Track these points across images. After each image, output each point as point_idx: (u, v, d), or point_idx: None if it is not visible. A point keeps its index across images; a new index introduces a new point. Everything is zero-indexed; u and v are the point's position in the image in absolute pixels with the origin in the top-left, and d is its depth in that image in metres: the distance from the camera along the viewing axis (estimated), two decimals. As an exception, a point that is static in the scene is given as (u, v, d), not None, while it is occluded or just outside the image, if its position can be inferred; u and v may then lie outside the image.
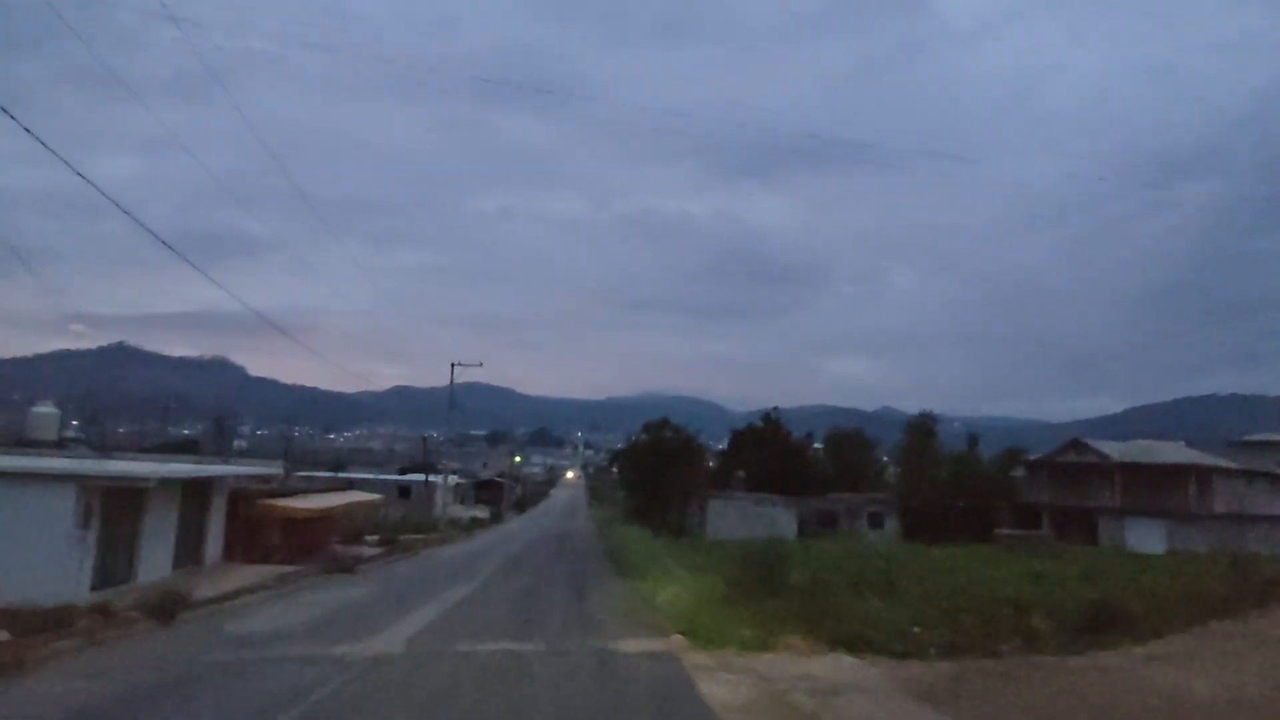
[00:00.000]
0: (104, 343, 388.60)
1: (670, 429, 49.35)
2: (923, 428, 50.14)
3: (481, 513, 68.34)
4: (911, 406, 58.20)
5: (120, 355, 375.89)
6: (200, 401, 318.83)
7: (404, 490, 66.45)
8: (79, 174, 14.94)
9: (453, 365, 52.13)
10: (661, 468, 47.31)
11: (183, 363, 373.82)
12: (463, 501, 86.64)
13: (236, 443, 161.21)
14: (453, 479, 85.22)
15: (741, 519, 47.44)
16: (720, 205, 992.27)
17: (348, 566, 24.59)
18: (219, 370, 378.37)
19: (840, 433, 59.58)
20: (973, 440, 52.33)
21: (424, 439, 44.06)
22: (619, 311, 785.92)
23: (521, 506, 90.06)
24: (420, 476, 69.46)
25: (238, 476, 26.99)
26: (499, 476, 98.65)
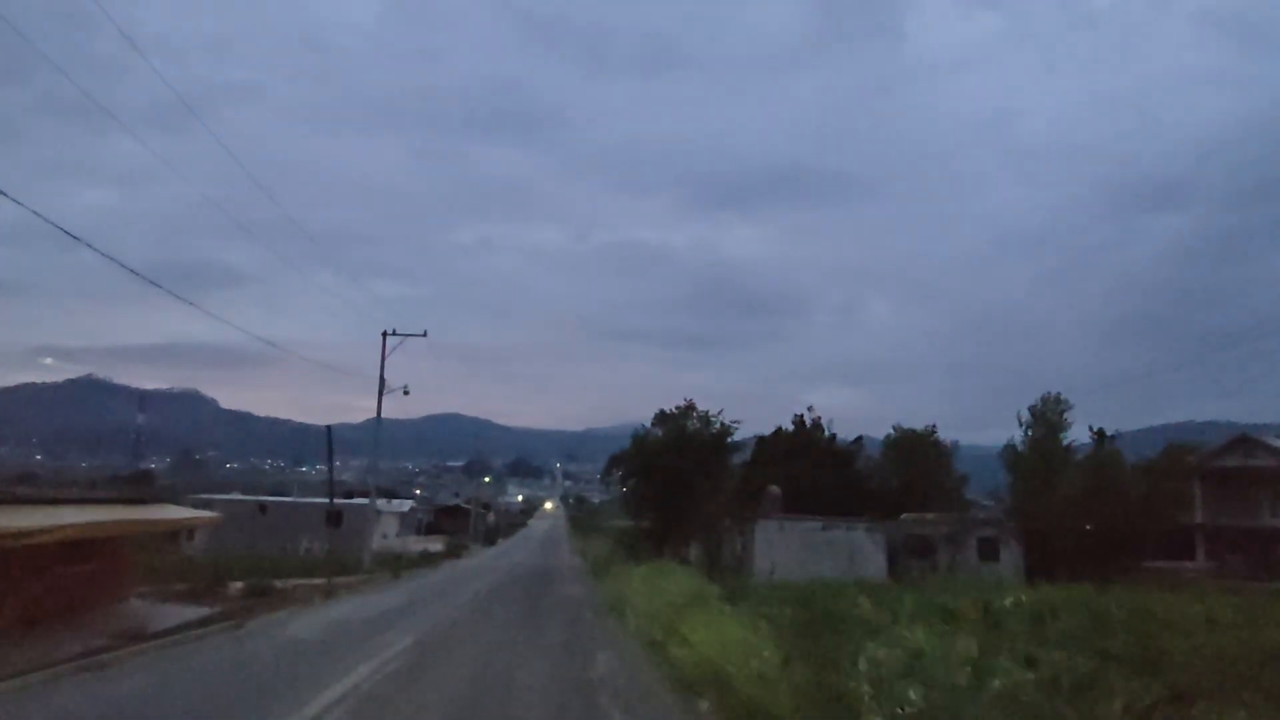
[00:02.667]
0: (73, 375, 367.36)
1: (695, 417, 32.71)
2: (1048, 418, 33.86)
3: (436, 545, 50.88)
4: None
5: (89, 388, 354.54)
6: (170, 434, 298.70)
7: (333, 517, 48.86)
8: (38, 214, 12.88)
9: (385, 335, 35.46)
10: (687, 475, 30.71)
11: (153, 395, 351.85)
12: (419, 531, 68.87)
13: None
14: (406, 504, 67.68)
15: (805, 550, 30.84)
16: (699, 236, 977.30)
17: None
18: (190, 403, 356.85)
19: (907, 435, 43.17)
20: (1101, 436, 36.00)
21: (328, 430, 27.67)
22: (598, 342, 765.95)
23: (491, 537, 72.42)
24: (358, 500, 52.05)
25: None
26: (465, 502, 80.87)
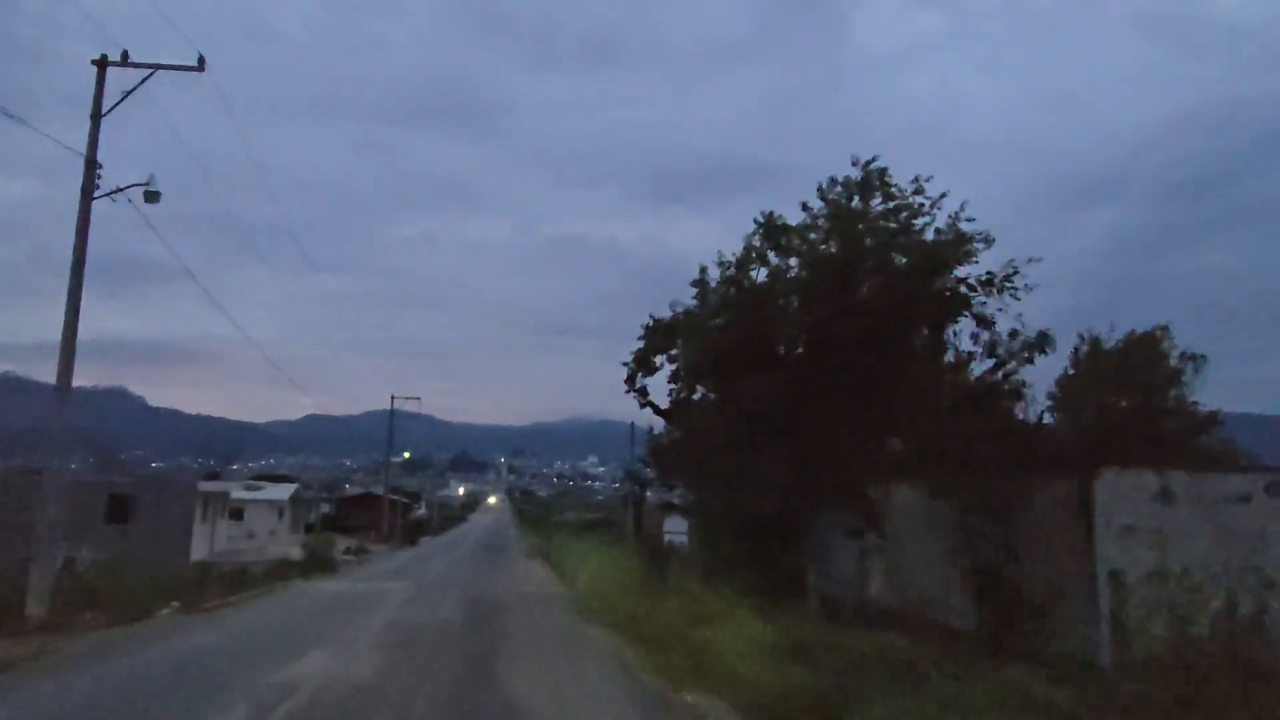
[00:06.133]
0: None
1: (877, 207, 11.43)
2: None
3: (298, 551, 28.85)
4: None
5: (7, 386, 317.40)
6: (95, 433, 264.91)
7: (117, 508, 26.65)
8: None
9: (100, 64, 13.84)
10: (874, 351, 9.99)
11: (77, 393, 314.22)
12: (308, 529, 46.37)
13: None
14: (285, 489, 45.36)
15: (1223, 541, 10.29)
16: (646, 230, 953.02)
17: None
18: (116, 401, 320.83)
19: (1110, 348, 23.43)
20: None
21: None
22: (544, 336, 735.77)
23: (412, 535, 50.44)
24: (215, 486, 30.08)
25: None
26: (385, 492, 58.16)
